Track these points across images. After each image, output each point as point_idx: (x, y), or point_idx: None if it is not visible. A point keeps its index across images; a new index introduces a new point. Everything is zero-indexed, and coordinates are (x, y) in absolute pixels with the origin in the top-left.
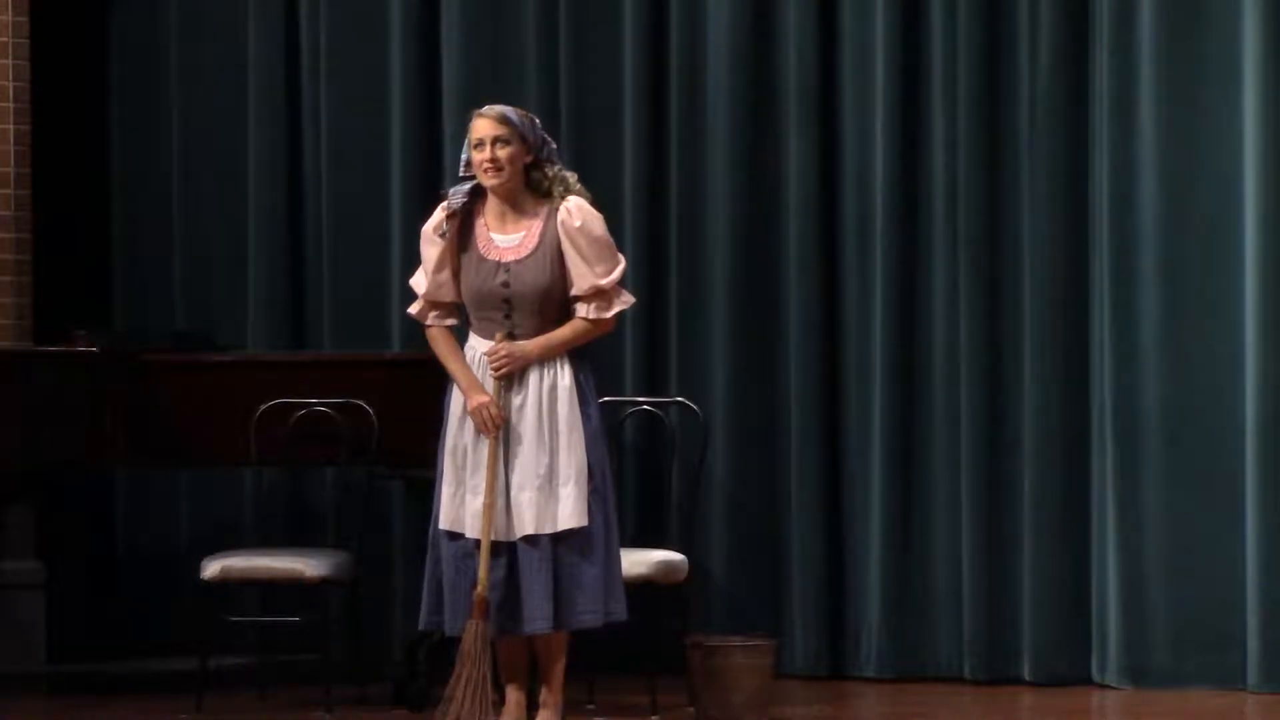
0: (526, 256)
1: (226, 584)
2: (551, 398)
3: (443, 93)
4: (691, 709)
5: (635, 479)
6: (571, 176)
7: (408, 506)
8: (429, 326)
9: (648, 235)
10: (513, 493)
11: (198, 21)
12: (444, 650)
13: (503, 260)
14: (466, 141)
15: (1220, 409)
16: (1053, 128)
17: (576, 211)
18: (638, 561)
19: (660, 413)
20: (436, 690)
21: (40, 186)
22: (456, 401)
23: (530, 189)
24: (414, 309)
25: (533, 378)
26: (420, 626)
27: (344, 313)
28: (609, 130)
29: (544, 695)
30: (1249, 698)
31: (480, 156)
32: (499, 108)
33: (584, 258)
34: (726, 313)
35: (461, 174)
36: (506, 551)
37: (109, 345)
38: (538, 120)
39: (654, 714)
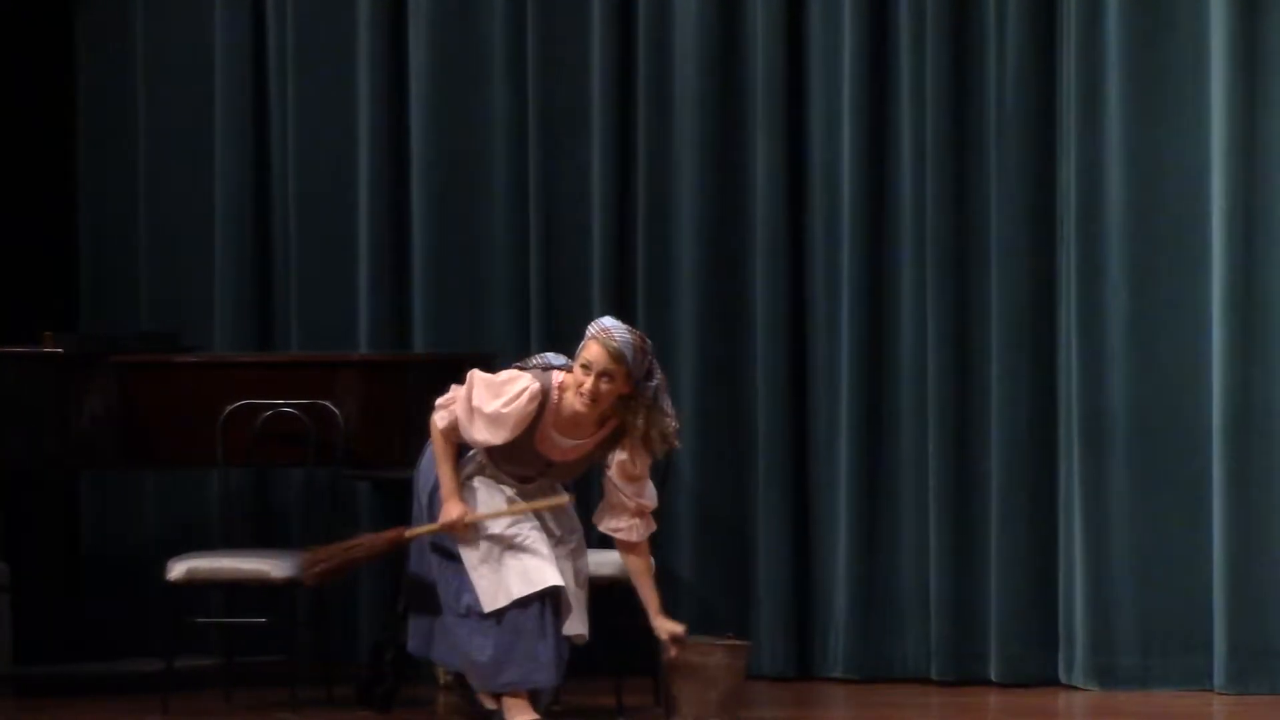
0: (574, 461)
1: (192, 585)
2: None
3: (410, 94)
4: (659, 709)
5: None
6: (659, 408)
7: (374, 507)
8: (440, 436)
9: (615, 236)
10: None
11: (164, 22)
12: (409, 652)
13: (549, 457)
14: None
15: (1187, 410)
16: (1020, 129)
17: (640, 457)
18: (604, 562)
19: None
20: (403, 692)
21: (5, 188)
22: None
23: (609, 409)
24: (441, 423)
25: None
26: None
27: (310, 314)
28: (577, 131)
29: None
30: (1215, 699)
31: (583, 380)
32: (619, 341)
33: (640, 473)
34: (693, 314)
35: (564, 363)
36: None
37: (75, 347)
38: (650, 349)
39: (620, 715)
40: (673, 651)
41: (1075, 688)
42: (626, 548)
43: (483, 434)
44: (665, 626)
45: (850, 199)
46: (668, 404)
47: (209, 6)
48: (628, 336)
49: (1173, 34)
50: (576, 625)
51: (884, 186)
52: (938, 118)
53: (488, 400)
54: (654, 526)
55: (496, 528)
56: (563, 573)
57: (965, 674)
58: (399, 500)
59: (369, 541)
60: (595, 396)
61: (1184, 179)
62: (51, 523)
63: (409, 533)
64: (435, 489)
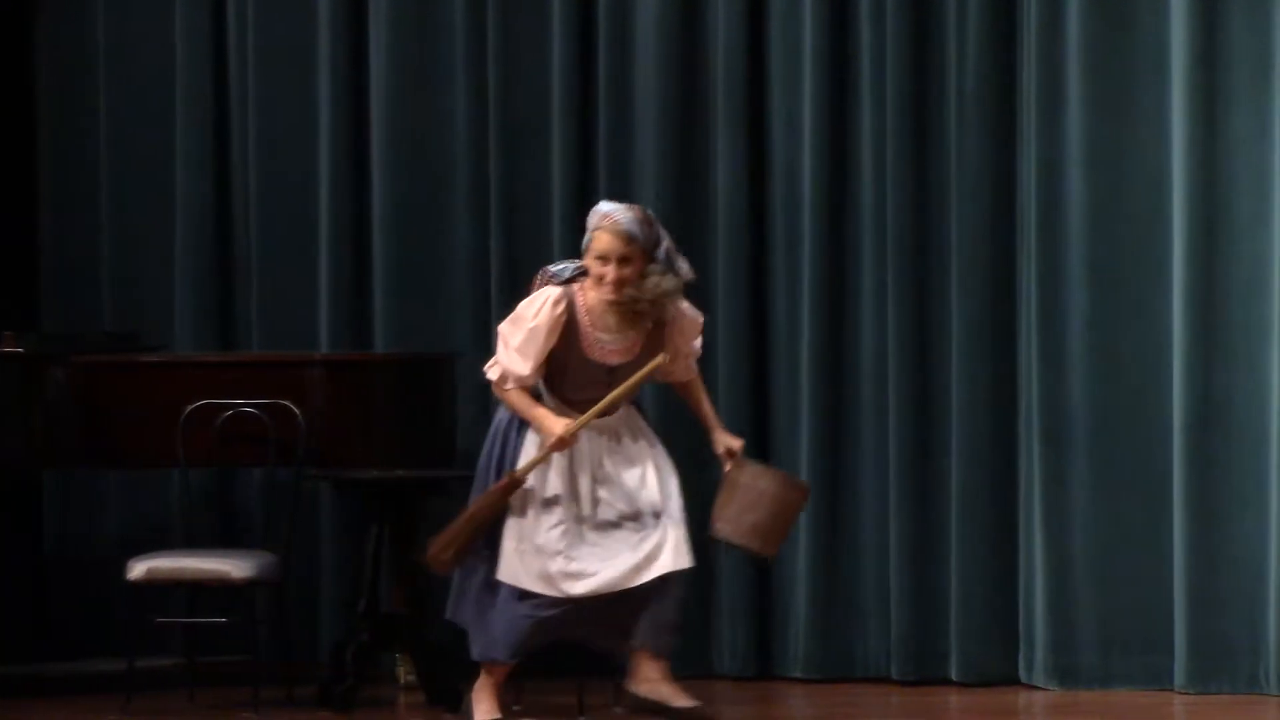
0: (633, 361)
1: (154, 585)
2: (636, 458)
3: (370, 95)
4: (619, 709)
5: None
6: (671, 279)
7: (335, 507)
8: (504, 390)
9: (575, 234)
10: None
11: (125, 24)
12: (371, 652)
13: (608, 363)
14: (587, 239)
15: (1148, 410)
16: (980, 128)
17: (689, 328)
18: None
19: None
20: (364, 691)
21: None
22: (526, 454)
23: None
24: (494, 375)
25: (615, 442)
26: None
27: (271, 314)
28: (537, 134)
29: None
30: (1176, 698)
31: (602, 271)
32: (625, 222)
33: (684, 351)
34: None
35: (579, 266)
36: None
37: (37, 347)
38: (652, 217)
39: (581, 714)
40: (727, 466)
41: (1036, 687)
42: (683, 386)
43: (528, 360)
44: (722, 440)
45: (811, 200)
46: (683, 266)
47: (170, 8)
48: (629, 214)
49: (1133, 32)
50: (673, 559)
51: (845, 187)
52: (898, 118)
53: (515, 331)
54: (699, 353)
55: (548, 524)
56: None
57: (926, 673)
58: (360, 500)
59: (481, 503)
60: (620, 282)
61: (1145, 178)
62: (12, 522)
63: (519, 471)
64: (504, 448)
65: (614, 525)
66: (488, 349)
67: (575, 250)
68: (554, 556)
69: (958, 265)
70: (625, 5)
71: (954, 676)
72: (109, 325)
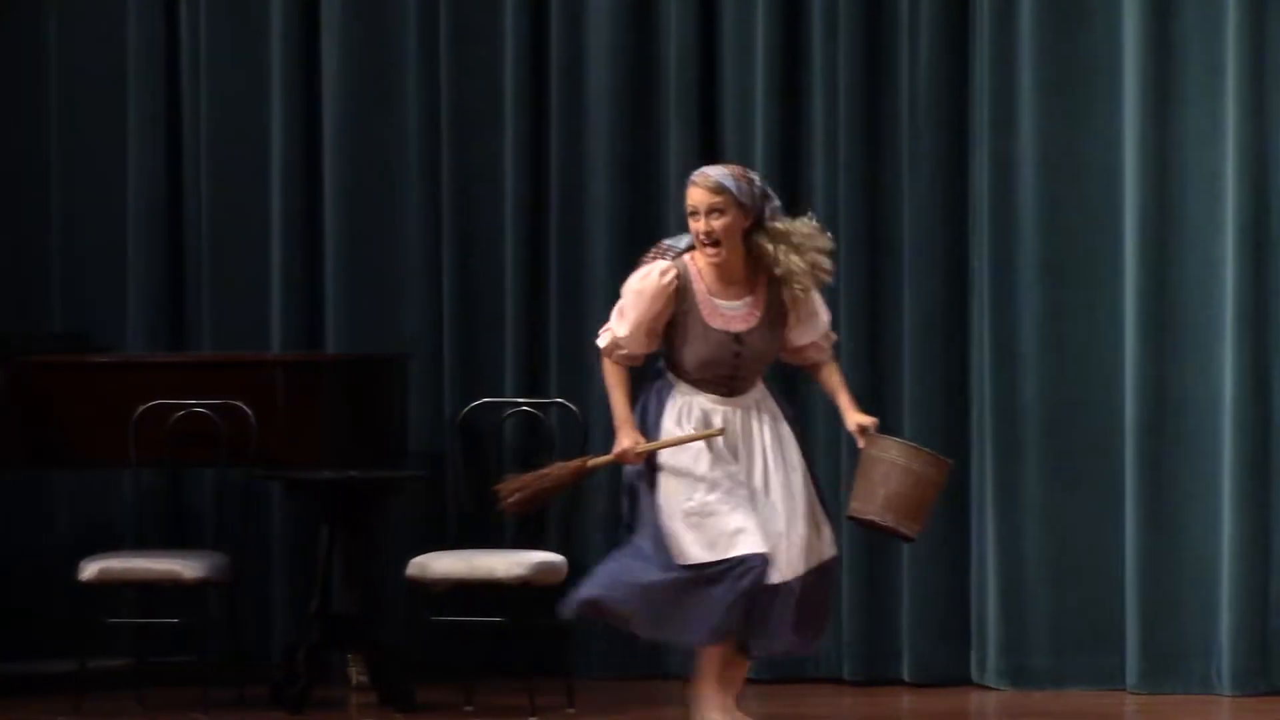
0: (756, 326)
1: (105, 585)
2: (779, 442)
3: (322, 93)
4: (571, 710)
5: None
6: (794, 230)
7: (287, 507)
8: (611, 361)
9: (528, 234)
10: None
11: (76, 25)
12: (323, 652)
13: (732, 330)
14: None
15: (1100, 410)
16: (932, 125)
17: (806, 311)
18: (516, 563)
19: (540, 414)
20: (315, 692)
21: None
22: (664, 431)
23: (751, 254)
24: (603, 342)
25: (754, 421)
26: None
27: (223, 314)
28: (490, 129)
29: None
30: (1128, 698)
31: (695, 227)
32: (715, 174)
33: (814, 313)
34: (607, 311)
35: (683, 239)
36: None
37: None
38: (755, 178)
39: (532, 715)
40: (861, 443)
41: (988, 687)
42: (815, 368)
43: (625, 324)
44: (853, 418)
45: None
46: (803, 221)
47: (121, 9)
48: (723, 169)
49: (1085, 30)
50: (822, 550)
51: (796, 181)
52: (850, 112)
53: (629, 298)
54: (834, 338)
55: (697, 494)
56: (770, 515)
57: (877, 674)
58: (312, 500)
59: (556, 471)
60: (710, 233)
61: (1097, 176)
62: None
63: (591, 462)
64: (644, 422)
65: (765, 496)
66: (440, 346)
67: (528, 243)
68: (714, 518)
69: (910, 262)
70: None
71: (906, 677)
72: (60, 326)
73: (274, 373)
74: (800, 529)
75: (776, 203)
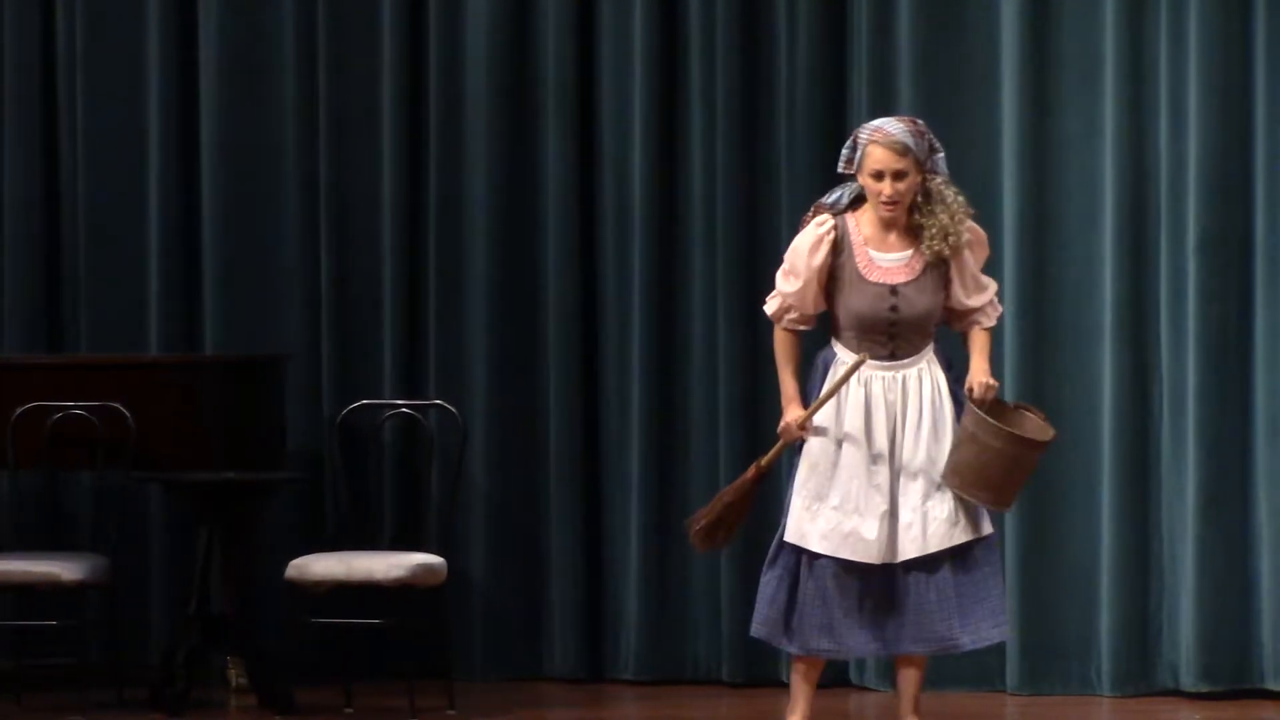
0: (915, 279)
1: None
2: (935, 410)
3: (200, 90)
4: (452, 711)
5: (394, 482)
6: (952, 194)
7: (165, 509)
8: (782, 328)
9: (406, 235)
10: (902, 513)
11: None
12: (202, 654)
13: (889, 282)
14: (853, 147)
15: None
16: (811, 128)
17: (971, 235)
18: (396, 564)
19: (419, 415)
20: (195, 694)
21: None
22: (822, 412)
23: (914, 208)
24: (771, 308)
25: (912, 388)
26: (755, 634)
27: (100, 315)
28: (368, 129)
29: (907, 693)
30: (1008, 699)
31: (879, 188)
32: (899, 133)
33: (974, 273)
34: (485, 313)
35: (841, 169)
36: (882, 573)
37: None
38: (924, 128)
39: (413, 716)
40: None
41: (867, 689)
42: (973, 333)
43: (790, 278)
44: (972, 378)
45: (641, 199)
46: (954, 190)
47: None
48: (901, 125)
49: (963, 34)
50: (975, 528)
51: (674, 184)
52: (728, 118)
53: (790, 256)
54: (1000, 309)
55: (842, 482)
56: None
57: (756, 675)
58: (190, 502)
59: (732, 490)
60: (897, 198)
61: (975, 180)
62: None
63: (763, 461)
64: (809, 396)
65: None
66: (319, 346)
67: (406, 244)
68: (844, 514)
69: None
70: (457, 2)
71: (784, 679)
72: None
73: (152, 374)
74: (942, 507)
75: (941, 153)
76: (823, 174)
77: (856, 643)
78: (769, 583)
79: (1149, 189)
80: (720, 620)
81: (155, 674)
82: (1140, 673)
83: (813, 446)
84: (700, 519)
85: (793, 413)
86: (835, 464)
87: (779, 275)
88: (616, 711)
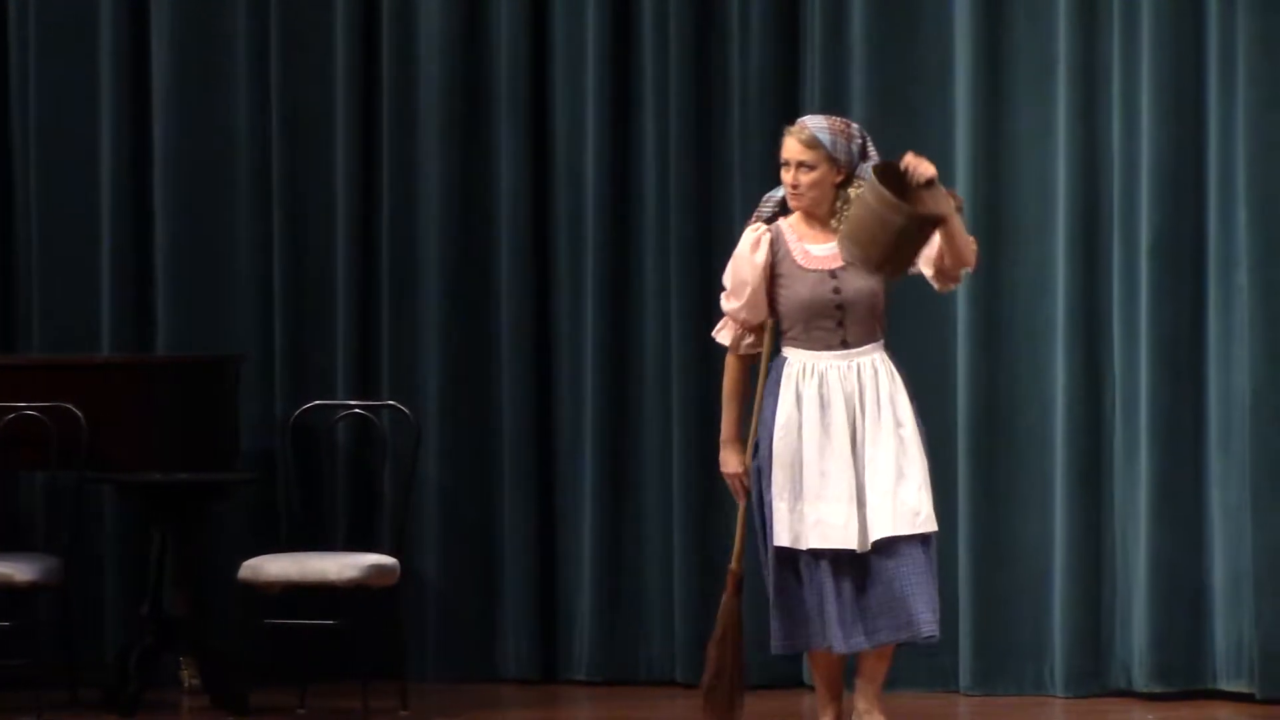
0: (847, 267)
1: None
2: (892, 399)
3: (153, 92)
4: (405, 712)
5: (347, 482)
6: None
7: (118, 510)
8: (732, 353)
9: (359, 235)
10: (870, 497)
11: None
12: (155, 656)
13: (827, 268)
14: None
15: (931, 411)
16: (764, 129)
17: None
18: (349, 565)
19: (372, 416)
20: (148, 695)
21: None
22: (781, 412)
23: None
24: (726, 336)
25: (868, 379)
26: (776, 651)
27: (53, 316)
28: (321, 130)
29: (867, 705)
30: (961, 700)
31: (784, 178)
32: (814, 127)
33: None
34: (439, 313)
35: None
36: (853, 560)
37: None
38: (856, 130)
39: (366, 717)
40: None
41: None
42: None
43: (733, 295)
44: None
45: (594, 197)
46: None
47: None
48: (822, 122)
49: (916, 34)
50: (926, 522)
51: (628, 184)
52: (681, 120)
53: (730, 268)
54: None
55: (810, 476)
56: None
57: None
58: (143, 503)
59: (719, 632)
60: (796, 186)
61: None
62: None
63: (734, 566)
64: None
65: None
66: (272, 347)
67: (359, 245)
68: (818, 505)
69: None
70: (410, 4)
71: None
72: None
73: (105, 375)
74: (909, 495)
75: (872, 158)
76: (776, 172)
77: (838, 636)
78: (774, 595)
79: (1102, 189)
80: (674, 621)
81: (109, 675)
82: (1093, 673)
83: (779, 449)
84: (715, 687)
85: (732, 463)
86: (803, 460)
87: (723, 300)
88: (570, 712)
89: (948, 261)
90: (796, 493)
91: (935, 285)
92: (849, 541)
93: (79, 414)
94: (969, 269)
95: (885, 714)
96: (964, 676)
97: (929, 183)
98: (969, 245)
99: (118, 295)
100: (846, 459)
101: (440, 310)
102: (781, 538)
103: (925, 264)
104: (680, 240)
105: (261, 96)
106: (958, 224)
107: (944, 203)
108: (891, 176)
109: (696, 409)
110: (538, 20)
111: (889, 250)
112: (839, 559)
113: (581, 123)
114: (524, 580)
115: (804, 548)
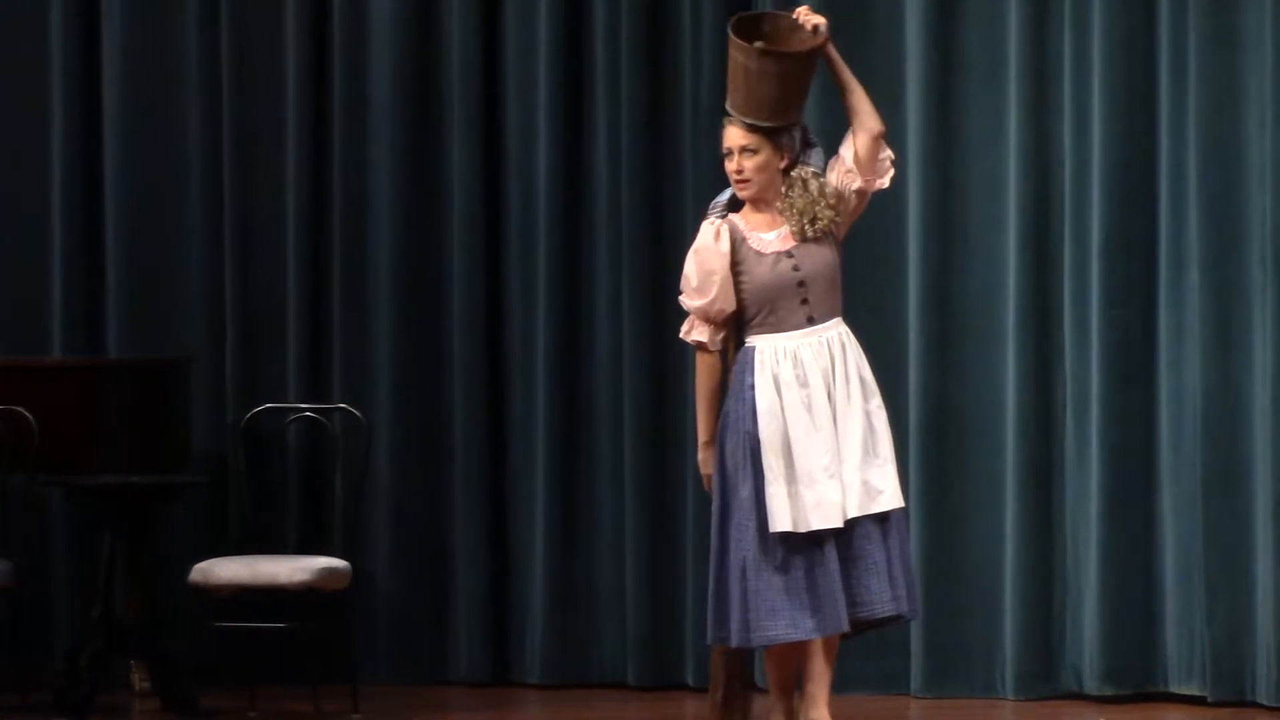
0: (800, 244)
1: None
2: (859, 371)
3: (103, 102)
4: (357, 715)
5: (298, 485)
6: (817, 184)
7: (68, 513)
8: (708, 351)
9: (310, 240)
10: (845, 473)
11: None
12: (106, 659)
13: (784, 249)
14: None
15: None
16: (716, 130)
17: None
18: (301, 568)
19: (323, 419)
20: (99, 698)
21: None
22: (762, 398)
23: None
24: (699, 335)
25: (838, 353)
26: (735, 644)
27: (2, 317)
28: (271, 130)
29: (819, 691)
30: (912, 702)
31: (728, 167)
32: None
33: (837, 189)
34: (390, 318)
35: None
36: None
37: None
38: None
39: None
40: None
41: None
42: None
43: (713, 279)
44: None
45: (546, 203)
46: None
47: None
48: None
49: (866, 38)
50: (891, 498)
51: (580, 191)
52: (633, 124)
53: (690, 264)
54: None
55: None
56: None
57: (662, 679)
58: (94, 506)
59: (714, 677)
60: (741, 172)
61: None
62: None
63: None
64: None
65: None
66: (223, 349)
67: (310, 250)
68: (811, 485)
69: None
70: (361, 6)
71: (690, 682)
72: None
73: (55, 377)
74: (878, 472)
75: (816, 148)
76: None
77: (837, 616)
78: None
79: (1053, 191)
80: (625, 623)
81: (59, 678)
82: (1044, 676)
83: (767, 435)
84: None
85: (713, 463)
86: (790, 441)
87: (686, 300)
88: (521, 714)
89: (857, 140)
90: (791, 476)
91: (861, 181)
92: (846, 515)
93: (29, 416)
94: (876, 132)
95: (834, 717)
96: (915, 679)
97: (814, 29)
98: (866, 101)
99: (68, 298)
100: (830, 434)
101: (391, 312)
102: (782, 523)
103: (844, 172)
104: (632, 243)
105: (213, 104)
106: (839, 64)
107: (809, 40)
108: (751, 28)
109: (650, 409)
110: (489, 21)
111: (777, 90)
112: (836, 536)
113: (533, 125)
114: (475, 583)
115: (806, 530)
